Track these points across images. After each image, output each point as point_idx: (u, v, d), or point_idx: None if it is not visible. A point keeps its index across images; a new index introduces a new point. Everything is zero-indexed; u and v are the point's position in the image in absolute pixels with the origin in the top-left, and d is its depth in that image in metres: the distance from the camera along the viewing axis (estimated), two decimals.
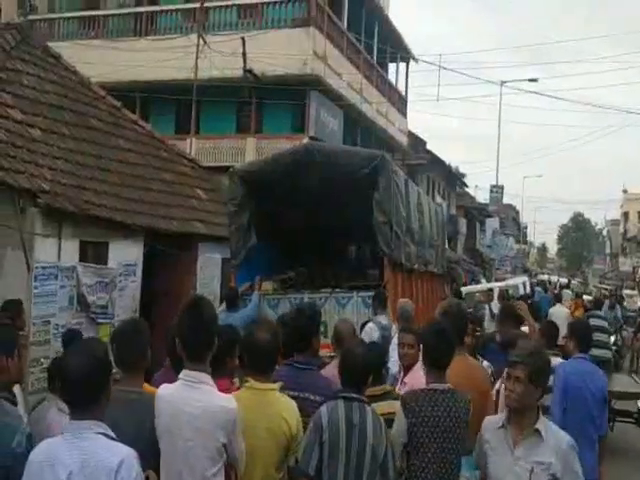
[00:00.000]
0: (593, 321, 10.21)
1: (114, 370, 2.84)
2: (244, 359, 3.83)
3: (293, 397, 3.65)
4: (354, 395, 3.62)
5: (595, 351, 7.89)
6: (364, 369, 3.72)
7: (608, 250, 79.83)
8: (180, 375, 3.20)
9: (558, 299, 16.83)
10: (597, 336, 9.28)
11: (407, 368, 5.00)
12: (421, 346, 4.11)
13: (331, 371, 4.22)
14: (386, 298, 7.65)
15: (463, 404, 3.78)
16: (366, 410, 3.61)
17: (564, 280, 36.30)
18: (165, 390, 3.19)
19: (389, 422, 3.78)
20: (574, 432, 3.77)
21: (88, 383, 2.54)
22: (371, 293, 8.10)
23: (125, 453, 2.49)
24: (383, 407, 4.05)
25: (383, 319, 7.29)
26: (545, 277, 39.13)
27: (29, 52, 11.27)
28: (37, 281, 8.37)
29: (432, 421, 3.66)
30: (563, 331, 5.86)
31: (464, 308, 6.45)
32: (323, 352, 5.85)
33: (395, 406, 3.92)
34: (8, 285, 8.11)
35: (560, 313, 13.36)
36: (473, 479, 3.98)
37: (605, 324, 11.87)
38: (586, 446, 4.49)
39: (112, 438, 2.54)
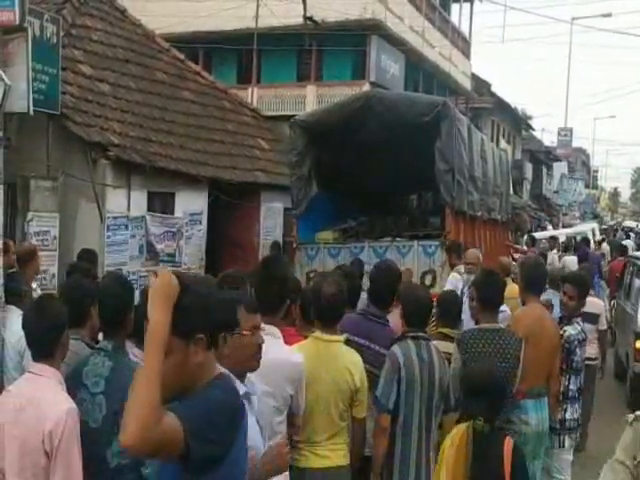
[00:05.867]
0: None
1: None
2: (306, 309, 3.88)
3: (359, 344, 3.78)
4: (420, 334, 3.94)
5: None
6: (426, 309, 4.04)
7: None
8: None
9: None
10: None
11: None
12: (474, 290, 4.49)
13: (393, 319, 4.32)
14: (461, 248, 7.52)
15: (513, 341, 4.11)
16: (430, 346, 3.95)
17: None
18: None
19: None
20: None
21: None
22: (433, 242, 8.11)
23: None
24: (448, 346, 4.36)
25: (461, 269, 7.17)
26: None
27: (96, 7, 11.51)
28: (109, 231, 8.77)
29: (482, 356, 4.02)
30: None
31: (540, 261, 6.04)
32: None
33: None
34: (83, 235, 8.53)
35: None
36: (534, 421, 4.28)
37: None
38: None
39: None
